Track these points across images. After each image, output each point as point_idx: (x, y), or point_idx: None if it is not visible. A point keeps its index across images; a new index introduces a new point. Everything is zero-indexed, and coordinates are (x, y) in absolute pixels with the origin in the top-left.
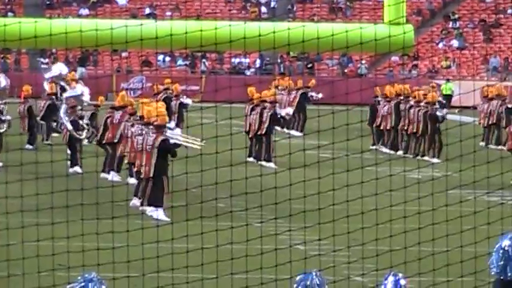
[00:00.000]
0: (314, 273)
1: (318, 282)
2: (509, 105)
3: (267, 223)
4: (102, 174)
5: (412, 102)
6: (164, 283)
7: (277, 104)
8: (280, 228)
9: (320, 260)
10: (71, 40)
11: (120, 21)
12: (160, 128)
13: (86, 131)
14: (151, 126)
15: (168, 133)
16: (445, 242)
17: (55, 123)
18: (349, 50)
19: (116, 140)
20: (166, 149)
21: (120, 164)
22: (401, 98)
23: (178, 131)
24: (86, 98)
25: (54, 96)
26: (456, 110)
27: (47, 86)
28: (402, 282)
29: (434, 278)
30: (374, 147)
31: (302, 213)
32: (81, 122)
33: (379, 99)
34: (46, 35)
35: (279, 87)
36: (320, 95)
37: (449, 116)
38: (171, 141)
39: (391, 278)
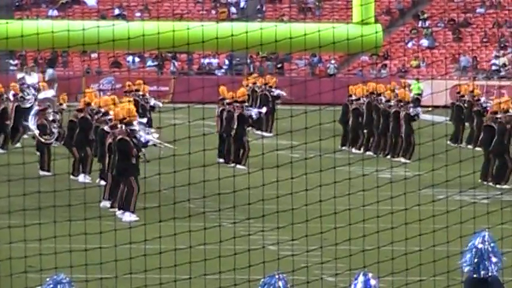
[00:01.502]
0: (277, 276)
1: (280, 286)
2: (483, 105)
3: (239, 224)
4: (72, 177)
5: (384, 101)
6: (137, 284)
7: (247, 104)
8: (253, 228)
9: (293, 260)
10: (43, 41)
11: (92, 22)
12: (127, 126)
13: (54, 135)
14: (120, 126)
15: (142, 131)
16: (417, 241)
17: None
18: (322, 49)
19: (84, 142)
20: (123, 149)
21: (90, 166)
22: (374, 96)
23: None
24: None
25: (20, 99)
26: (429, 109)
27: (11, 94)
28: (372, 282)
29: (407, 278)
30: (344, 147)
31: (275, 213)
32: (53, 125)
33: (353, 98)
34: (17, 36)
35: (249, 86)
36: (284, 93)
37: (420, 116)
38: (142, 138)
39: (361, 278)
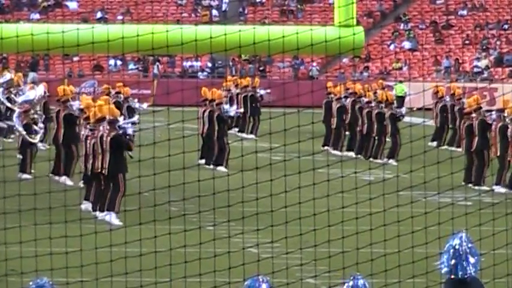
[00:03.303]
0: (260, 279)
1: None
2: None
3: (219, 226)
4: (55, 177)
5: (366, 103)
6: (118, 287)
7: (224, 104)
8: (233, 231)
9: (273, 263)
10: (23, 44)
11: (72, 25)
12: (112, 123)
13: (39, 135)
14: (104, 124)
15: (122, 123)
16: (396, 243)
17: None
18: (300, 52)
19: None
20: (119, 144)
21: (74, 167)
22: (358, 97)
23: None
24: (40, 91)
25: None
26: (414, 109)
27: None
28: (361, 281)
29: (386, 280)
30: (325, 147)
31: (254, 215)
32: (35, 127)
33: (335, 97)
34: None
35: (225, 87)
36: (268, 90)
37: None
38: (128, 130)
39: (350, 282)
